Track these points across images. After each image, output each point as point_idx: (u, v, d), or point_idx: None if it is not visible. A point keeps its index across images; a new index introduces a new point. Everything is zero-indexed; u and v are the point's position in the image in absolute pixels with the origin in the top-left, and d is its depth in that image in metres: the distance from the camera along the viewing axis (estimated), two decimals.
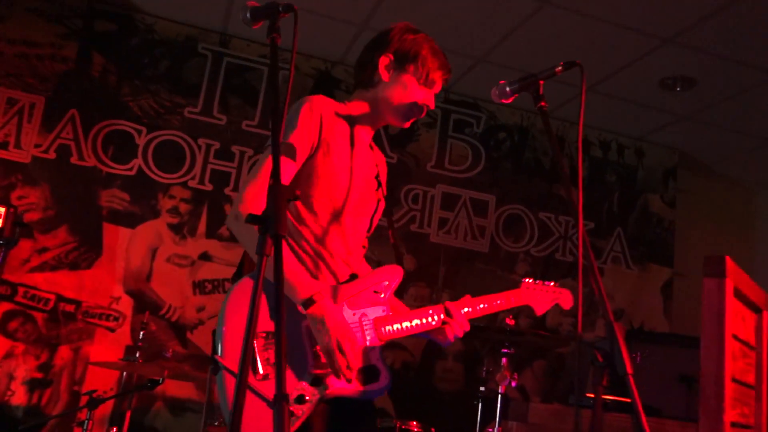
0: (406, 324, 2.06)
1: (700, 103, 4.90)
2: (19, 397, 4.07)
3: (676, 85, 4.66)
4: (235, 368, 1.76)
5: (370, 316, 2.03)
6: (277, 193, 1.38)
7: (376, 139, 2.28)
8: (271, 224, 1.34)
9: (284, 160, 1.95)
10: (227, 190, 4.64)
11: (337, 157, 2.05)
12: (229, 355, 1.81)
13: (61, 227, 4.33)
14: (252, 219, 1.37)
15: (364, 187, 2.13)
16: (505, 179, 5.32)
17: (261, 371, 1.84)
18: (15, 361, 4.10)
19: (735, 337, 1.69)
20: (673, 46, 4.21)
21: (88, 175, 4.42)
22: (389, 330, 2.03)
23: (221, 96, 4.77)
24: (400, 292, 5.21)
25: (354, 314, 2.00)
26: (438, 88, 2.19)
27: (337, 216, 2.05)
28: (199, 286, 4.50)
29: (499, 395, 3.30)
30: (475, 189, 5.21)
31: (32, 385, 4.11)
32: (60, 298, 4.24)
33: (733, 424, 1.64)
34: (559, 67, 1.85)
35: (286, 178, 1.96)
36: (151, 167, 4.53)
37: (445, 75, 2.17)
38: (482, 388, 3.59)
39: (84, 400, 3.59)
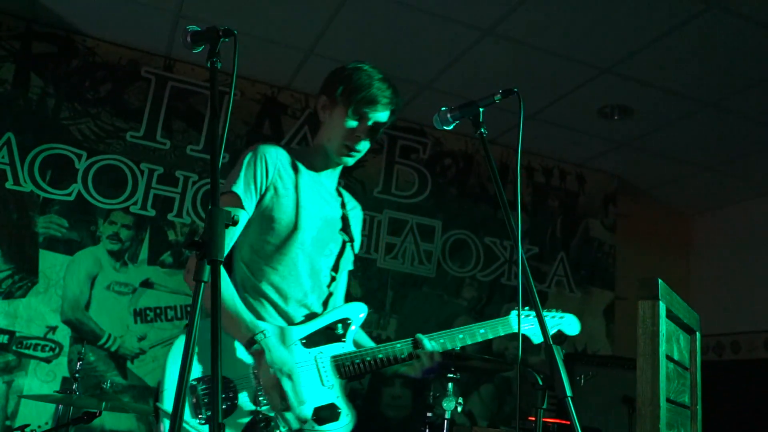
0: (369, 359, 2.03)
1: (637, 131, 5.07)
2: None
3: (614, 113, 4.82)
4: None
5: (327, 354, 2.00)
6: (215, 217, 1.36)
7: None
8: (208, 249, 1.32)
9: (232, 209, 1.97)
10: (171, 216, 4.55)
11: (289, 200, 2.06)
12: (170, 401, 1.79)
13: None
14: (189, 244, 1.35)
15: (324, 228, 2.13)
16: (451, 205, 5.38)
17: (203, 414, 1.82)
18: None
19: (669, 357, 1.73)
20: (610, 76, 4.36)
21: (24, 200, 4.27)
22: (350, 366, 2.01)
23: (165, 120, 4.70)
24: None
25: (309, 353, 1.98)
26: (376, 116, 2.14)
27: (290, 257, 2.05)
28: (140, 315, 4.38)
29: (446, 420, 3.30)
30: (422, 214, 5.25)
31: None
32: None
33: None
34: (498, 95, 1.89)
35: (236, 228, 1.99)
36: (91, 192, 4.42)
37: (379, 101, 2.11)
38: (429, 414, 3.58)
39: None
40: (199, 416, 1.82)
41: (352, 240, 2.25)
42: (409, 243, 5.16)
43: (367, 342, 2.23)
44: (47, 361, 4.13)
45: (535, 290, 1.68)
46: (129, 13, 4.26)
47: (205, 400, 1.83)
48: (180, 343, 1.90)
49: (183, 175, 4.65)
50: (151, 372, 4.31)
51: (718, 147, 5.17)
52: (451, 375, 3.37)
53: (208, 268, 1.33)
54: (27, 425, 3.62)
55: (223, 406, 1.84)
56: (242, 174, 2.03)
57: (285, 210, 2.05)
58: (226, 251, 1.97)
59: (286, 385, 1.81)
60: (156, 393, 1.82)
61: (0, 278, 4.14)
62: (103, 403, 3.22)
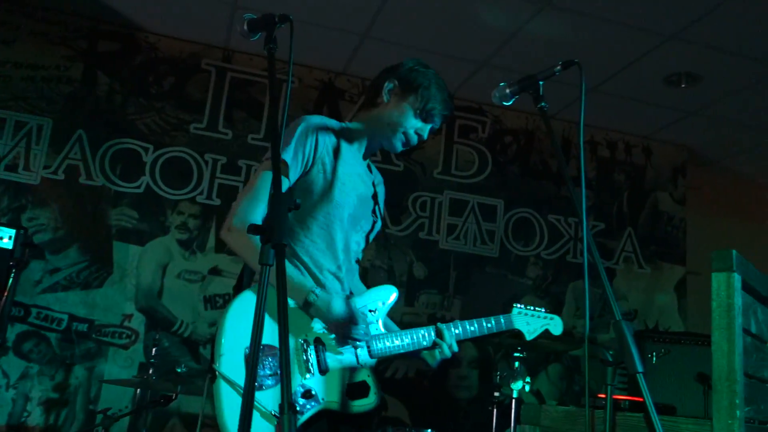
0: (397, 342, 2.10)
1: (707, 98, 4.87)
2: (35, 417, 4.08)
3: (681, 81, 4.64)
4: (234, 379, 1.84)
5: None
6: (278, 202, 1.38)
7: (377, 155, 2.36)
8: (272, 233, 1.35)
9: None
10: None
11: (333, 175, 2.12)
12: (227, 365, 1.86)
13: (72, 247, 4.35)
14: (253, 229, 1.38)
15: (359, 205, 2.20)
16: (513, 183, 5.31)
17: (256, 382, 1.86)
18: (30, 381, 4.12)
19: (746, 331, 1.67)
20: (676, 42, 4.20)
21: (96, 194, 4.44)
22: (381, 348, 2.08)
23: (226, 111, 4.79)
24: (411, 300, 5.16)
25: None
26: (435, 123, 2.27)
27: (328, 232, 2.12)
28: (210, 301, 4.51)
29: (513, 400, 3.28)
30: (483, 194, 5.20)
31: (48, 405, 4.12)
32: (72, 318, 4.26)
33: (749, 421, 1.62)
34: (558, 67, 1.85)
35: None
36: (158, 184, 4.56)
37: (443, 112, 2.24)
38: (496, 394, 3.57)
39: (99, 418, 3.61)
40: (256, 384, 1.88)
41: (380, 218, 2.35)
42: (470, 223, 5.13)
43: (393, 325, 2.31)
44: (125, 347, 4.31)
45: (602, 268, 1.64)
46: (188, 7, 4.35)
47: (260, 368, 1.89)
48: (236, 307, 1.96)
49: (245, 163, 4.74)
50: None
51: None
52: (518, 354, 3.35)
53: (272, 251, 1.35)
54: (108, 408, 3.78)
55: (275, 374, 1.90)
56: (293, 144, 2.07)
57: (330, 187, 2.12)
58: (262, 215, 2.04)
59: (356, 331, 1.97)
60: (212, 356, 1.90)
61: (78, 270, 4.33)
62: (179, 387, 3.34)
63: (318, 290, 1.97)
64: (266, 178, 2.06)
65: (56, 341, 4.20)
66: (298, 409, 1.89)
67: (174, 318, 4.42)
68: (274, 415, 1.84)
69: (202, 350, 4.43)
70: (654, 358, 4.31)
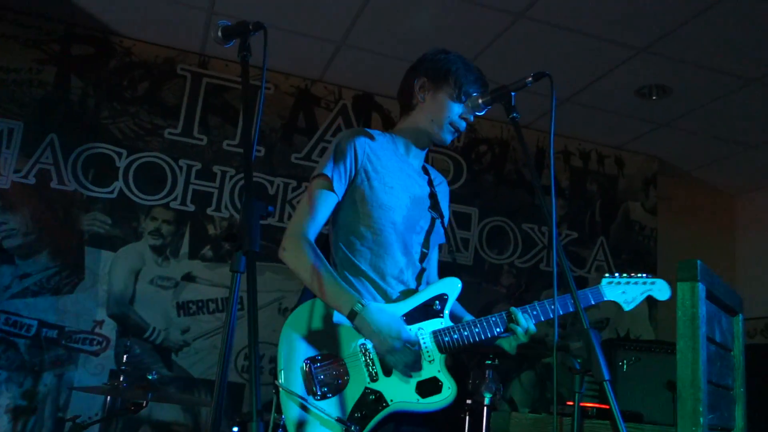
0: (466, 333, 2.07)
1: (677, 110, 4.96)
2: (2, 425, 4.01)
3: (651, 93, 4.72)
4: (294, 390, 1.90)
5: (427, 330, 2.05)
6: (249, 209, 1.38)
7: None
8: (243, 241, 1.35)
9: (324, 193, 2.08)
10: (209, 211, 4.62)
11: (379, 182, 2.14)
12: (286, 378, 1.93)
13: (42, 252, 4.29)
14: (226, 236, 1.38)
15: (413, 207, 2.20)
16: (488, 192, 5.35)
17: (318, 391, 1.92)
18: None
19: (711, 340, 1.70)
20: (647, 55, 4.27)
21: (68, 199, 4.39)
22: (449, 341, 2.04)
23: (201, 116, 4.77)
24: None
25: (410, 330, 2.04)
26: None
27: (383, 236, 2.12)
28: (183, 308, 4.47)
29: (485, 407, 3.30)
30: (458, 202, 5.23)
31: (16, 413, 4.05)
32: (42, 324, 4.19)
33: (712, 428, 1.65)
34: (530, 78, 1.88)
35: (326, 209, 2.10)
36: (132, 189, 4.52)
37: (480, 88, 2.22)
38: (468, 401, 3.58)
39: (68, 426, 3.55)
40: (316, 394, 1.92)
41: (441, 216, 2.32)
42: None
43: (465, 315, 2.28)
44: (95, 354, 4.25)
45: (571, 276, 1.67)
46: (163, 12, 4.33)
47: (320, 377, 1.93)
48: (290, 323, 2.02)
49: (220, 170, 4.72)
50: (195, 363, 4.40)
51: (762, 124, 5.02)
52: (490, 362, 3.36)
53: (243, 258, 1.35)
54: (77, 416, 3.73)
55: (337, 382, 1.94)
56: (332, 158, 2.11)
57: (376, 192, 2.13)
58: (316, 233, 2.07)
59: (398, 344, 1.92)
60: (275, 371, 1.96)
61: (48, 275, 4.27)
62: (150, 394, 3.30)
63: (365, 300, 1.97)
64: (319, 196, 2.09)
65: (25, 347, 4.14)
66: (365, 413, 1.91)
67: (146, 325, 4.38)
68: (338, 421, 1.87)
69: (174, 357, 4.39)
70: (624, 366, 4.36)
